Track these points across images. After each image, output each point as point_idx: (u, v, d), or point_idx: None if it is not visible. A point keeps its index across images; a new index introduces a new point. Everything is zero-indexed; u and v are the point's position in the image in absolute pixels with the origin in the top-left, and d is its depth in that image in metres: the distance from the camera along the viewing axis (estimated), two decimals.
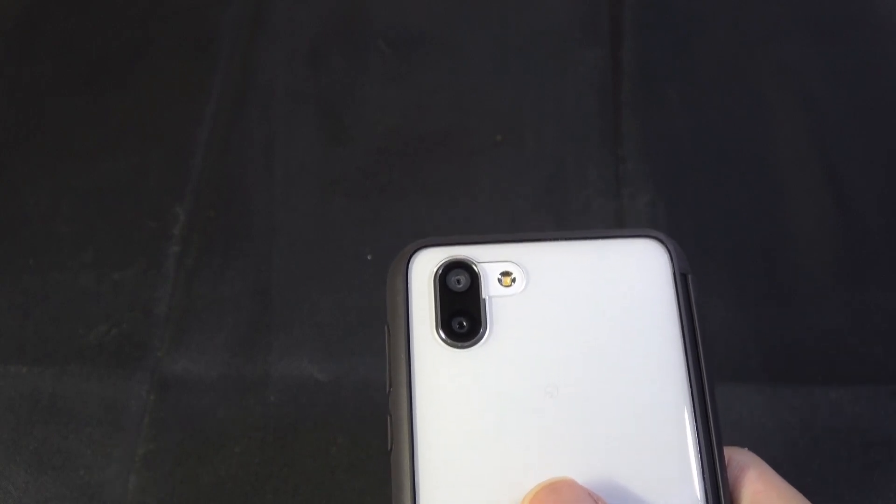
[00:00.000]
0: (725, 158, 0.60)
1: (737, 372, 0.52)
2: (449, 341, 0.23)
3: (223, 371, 0.53)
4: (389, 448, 0.23)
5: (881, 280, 0.55)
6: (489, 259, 0.24)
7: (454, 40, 0.66)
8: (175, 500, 0.49)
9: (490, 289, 0.24)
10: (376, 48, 0.65)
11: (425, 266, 0.24)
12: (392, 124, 0.62)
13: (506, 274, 0.24)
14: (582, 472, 0.22)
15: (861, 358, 0.53)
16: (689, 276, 0.24)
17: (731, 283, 0.55)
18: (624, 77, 0.64)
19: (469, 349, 0.23)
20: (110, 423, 0.51)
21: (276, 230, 0.58)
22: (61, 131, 0.62)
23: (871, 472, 0.49)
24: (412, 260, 0.24)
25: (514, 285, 0.24)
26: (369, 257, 0.56)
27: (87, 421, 0.51)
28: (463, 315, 0.24)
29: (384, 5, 0.68)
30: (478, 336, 0.23)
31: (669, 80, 0.64)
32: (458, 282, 0.24)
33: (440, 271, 0.24)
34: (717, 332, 0.53)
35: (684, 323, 0.24)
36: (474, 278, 0.24)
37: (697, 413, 0.23)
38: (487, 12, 0.67)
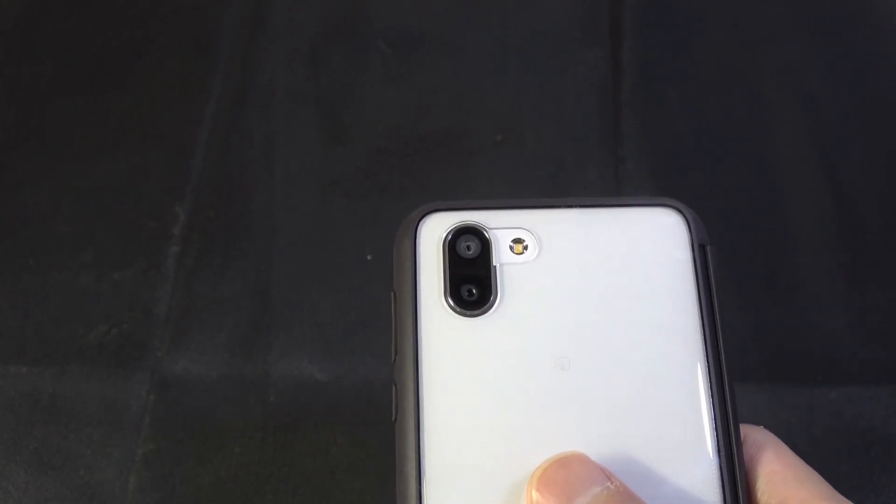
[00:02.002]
0: (725, 158, 0.60)
1: (737, 372, 0.52)
2: (457, 309, 0.22)
3: (223, 371, 0.53)
4: (394, 418, 0.22)
5: (881, 280, 0.55)
6: (501, 225, 0.23)
7: (454, 40, 0.66)
8: (175, 500, 0.49)
9: (501, 256, 0.23)
10: (376, 48, 0.65)
11: (434, 231, 0.23)
12: (392, 124, 0.62)
13: (518, 241, 0.23)
14: (593, 447, 0.21)
15: (861, 358, 0.53)
16: (708, 248, 0.23)
17: (731, 282, 0.55)
18: (624, 77, 0.64)
19: (478, 318, 0.22)
20: (110, 423, 0.51)
21: (276, 230, 0.58)
22: (61, 131, 0.62)
23: (871, 472, 0.49)
24: (421, 224, 0.23)
25: (526, 253, 0.23)
26: (369, 257, 0.56)
27: (87, 421, 0.51)
28: (472, 282, 0.23)
29: (384, 5, 0.68)
30: (487, 304, 0.22)
31: (669, 80, 0.64)
32: (468, 248, 0.23)
33: (450, 237, 0.23)
34: None
35: (702, 294, 0.23)
36: (485, 245, 0.23)
37: (714, 389, 0.22)
38: (487, 12, 0.67)
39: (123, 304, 0.55)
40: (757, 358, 0.53)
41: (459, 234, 0.23)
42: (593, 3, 0.67)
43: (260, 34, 0.66)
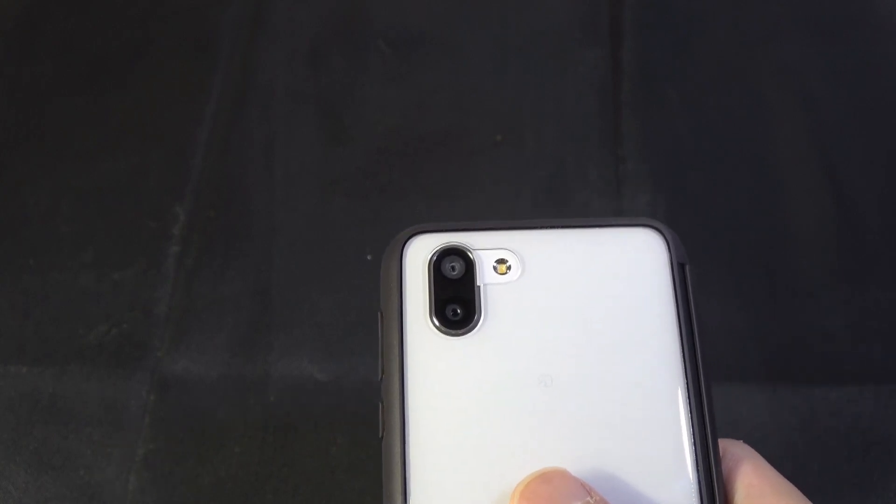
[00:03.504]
0: (725, 158, 0.60)
1: (737, 372, 0.52)
2: (443, 329, 0.23)
3: (223, 371, 0.53)
4: (381, 435, 0.23)
5: (881, 280, 0.55)
6: (484, 246, 0.24)
7: (454, 40, 0.66)
8: (175, 500, 0.49)
9: (485, 276, 0.24)
10: (376, 48, 0.65)
11: (420, 252, 0.24)
12: (392, 124, 0.62)
13: (501, 261, 0.24)
14: (575, 462, 0.22)
15: (861, 358, 0.53)
16: (687, 266, 0.24)
17: (731, 282, 0.55)
18: (624, 77, 0.64)
19: (463, 337, 0.23)
20: (110, 423, 0.51)
21: (276, 230, 0.58)
22: (61, 131, 0.62)
23: (871, 472, 0.49)
24: (407, 246, 0.24)
25: (510, 273, 0.24)
26: (369, 257, 0.56)
27: (87, 421, 0.51)
28: (457, 302, 0.23)
29: (384, 5, 0.68)
30: (472, 324, 0.23)
31: (669, 80, 0.64)
32: (453, 269, 0.24)
33: (435, 258, 0.24)
34: (716, 333, 0.53)
35: (681, 313, 0.23)
36: (469, 265, 0.24)
37: (693, 405, 0.22)
38: (487, 12, 0.67)
39: (123, 304, 0.55)
40: (757, 358, 0.53)
41: (444, 255, 0.24)
42: (593, 3, 0.67)
43: (260, 34, 0.66)
